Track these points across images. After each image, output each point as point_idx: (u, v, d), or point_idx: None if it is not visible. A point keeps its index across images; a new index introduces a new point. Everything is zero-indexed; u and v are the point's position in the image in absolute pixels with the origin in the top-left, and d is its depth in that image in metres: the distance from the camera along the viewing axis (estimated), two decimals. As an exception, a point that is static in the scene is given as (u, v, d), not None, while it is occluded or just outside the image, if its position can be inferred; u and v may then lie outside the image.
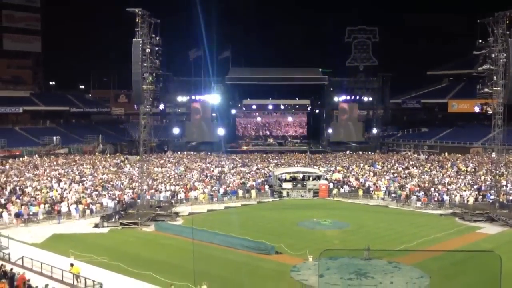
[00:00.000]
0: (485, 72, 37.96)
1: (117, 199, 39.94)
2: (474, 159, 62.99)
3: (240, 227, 34.39)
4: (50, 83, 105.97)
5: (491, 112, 38.21)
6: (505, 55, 35.97)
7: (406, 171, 54.58)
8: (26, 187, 42.68)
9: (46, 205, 36.79)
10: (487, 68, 37.38)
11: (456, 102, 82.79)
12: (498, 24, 35.92)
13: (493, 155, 39.99)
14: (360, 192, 45.87)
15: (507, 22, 35.72)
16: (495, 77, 36.76)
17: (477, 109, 63.35)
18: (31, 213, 35.53)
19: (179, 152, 72.09)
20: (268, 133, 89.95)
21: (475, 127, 76.09)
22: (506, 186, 43.32)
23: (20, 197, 38.77)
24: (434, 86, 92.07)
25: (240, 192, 45.64)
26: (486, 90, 38.01)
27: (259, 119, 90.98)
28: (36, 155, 64.29)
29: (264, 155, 70.10)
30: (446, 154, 69.42)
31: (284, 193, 47.06)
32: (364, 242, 27.90)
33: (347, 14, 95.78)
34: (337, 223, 36.42)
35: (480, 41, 37.81)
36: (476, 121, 77.16)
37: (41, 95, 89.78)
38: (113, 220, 35.28)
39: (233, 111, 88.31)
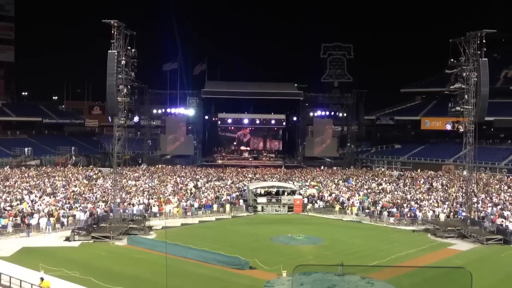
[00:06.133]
0: (456, 90, 38.62)
1: (89, 212, 39.32)
2: (446, 176, 63.96)
3: (214, 241, 34.23)
4: (23, 93, 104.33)
5: (462, 130, 38.77)
6: (476, 74, 36.73)
7: (380, 187, 55.12)
8: (-4, 199, 41.82)
9: (17, 218, 35.99)
10: (459, 87, 38.03)
11: (428, 119, 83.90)
12: (469, 44, 36.69)
13: (464, 172, 40.59)
14: (337, 207, 46.09)
15: (478, 42, 36.54)
16: (466, 96, 37.41)
17: (449, 127, 64.79)
18: (0, 225, 34.75)
19: (153, 166, 71.48)
20: (243, 147, 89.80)
21: (447, 145, 77.34)
22: (478, 203, 44.02)
23: (-11, 210, 37.87)
24: (407, 103, 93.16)
25: (215, 206, 45.42)
26: (458, 108, 38.63)
27: (234, 133, 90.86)
28: (7, 167, 63.07)
29: (239, 169, 70.04)
30: (419, 170, 70.34)
31: (259, 207, 46.95)
32: (338, 258, 27.93)
33: (323, 30, 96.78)
34: (311, 238, 36.46)
35: (452, 60, 38.47)
36: (448, 138, 78.42)
37: (13, 106, 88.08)
38: (85, 233, 34.65)
39: (209, 125, 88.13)
